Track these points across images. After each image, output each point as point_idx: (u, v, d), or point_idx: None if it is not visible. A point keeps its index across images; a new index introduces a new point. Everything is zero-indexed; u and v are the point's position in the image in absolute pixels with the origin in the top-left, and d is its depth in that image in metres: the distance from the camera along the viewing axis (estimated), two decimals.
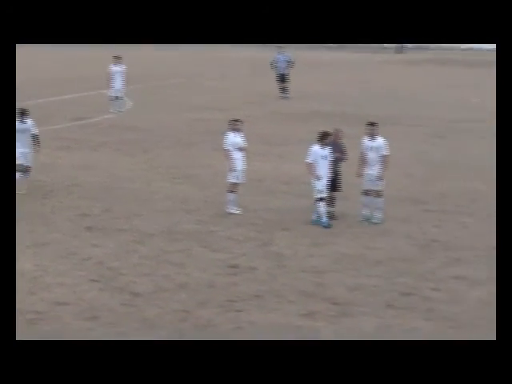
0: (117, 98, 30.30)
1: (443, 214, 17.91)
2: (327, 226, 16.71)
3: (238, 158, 17.94)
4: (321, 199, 16.76)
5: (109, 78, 29.96)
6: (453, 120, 28.02)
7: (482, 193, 19.51)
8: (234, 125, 18.08)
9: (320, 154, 16.78)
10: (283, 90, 33.09)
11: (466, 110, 29.63)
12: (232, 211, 17.82)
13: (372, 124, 17.44)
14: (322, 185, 16.74)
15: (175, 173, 21.53)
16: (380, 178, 17.20)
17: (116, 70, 29.92)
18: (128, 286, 14.17)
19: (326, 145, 16.79)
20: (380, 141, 17.24)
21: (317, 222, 16.87)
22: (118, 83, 29.86)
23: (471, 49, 46.90)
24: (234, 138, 17.99)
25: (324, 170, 16.77)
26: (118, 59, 30.02)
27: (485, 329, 12.36)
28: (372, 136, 17.26)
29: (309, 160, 16.86)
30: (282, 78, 33.24)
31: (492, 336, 10.75)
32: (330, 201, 17.22)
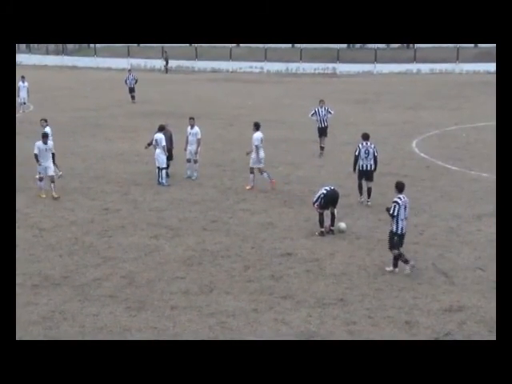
0: (24, 103, 28.22)
1: (234, 172, 18.09)
2: (167, 184, 16.39)
3: None
4: (165, 168, 16.47)
5: (17, 91, 27.72)
6: (236, 115, 28.16)
7: None
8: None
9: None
10: (133, 97, 32.13)
11: (244, 109, 29.83)
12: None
13: (191, 118, 17.30)
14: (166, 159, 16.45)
15: (65, 150, 20.35)
16: (196, 152, 17.07)
17: (22, 85, 27.87)
18: (36, 224, 13.43)
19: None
20: (196, 129, 17.12)
21: (161, 183, 16.45)
22: (22, 94, 27.87)
23: (244, 71, 46.83)
24: None
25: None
26: (23, 78, 28.06)
27: (260, 239, 12.65)
28: (192, 126, 17.09)
29: (163, 143, 16.39)
30: (131, 90, 32.29)
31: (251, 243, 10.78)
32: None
